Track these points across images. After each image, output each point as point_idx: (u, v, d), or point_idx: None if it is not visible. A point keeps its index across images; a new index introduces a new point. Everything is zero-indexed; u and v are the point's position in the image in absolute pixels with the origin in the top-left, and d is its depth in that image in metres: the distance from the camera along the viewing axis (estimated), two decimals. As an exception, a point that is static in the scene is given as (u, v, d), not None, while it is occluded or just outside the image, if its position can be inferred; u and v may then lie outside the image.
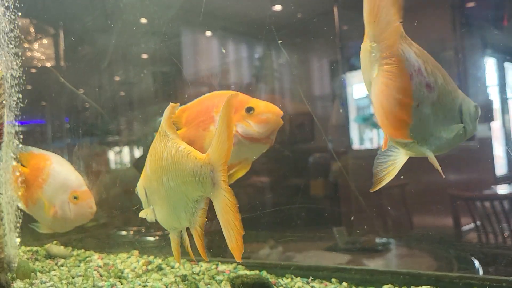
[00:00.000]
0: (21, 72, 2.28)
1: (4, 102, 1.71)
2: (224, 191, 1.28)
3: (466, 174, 3.38)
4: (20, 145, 2.14)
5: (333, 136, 3.50)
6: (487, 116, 4.08)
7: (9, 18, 2.14)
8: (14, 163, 2.11)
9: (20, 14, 2.23)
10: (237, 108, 1.59)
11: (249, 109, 1.59)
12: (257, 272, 2.18)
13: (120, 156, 3.54)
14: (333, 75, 4.36)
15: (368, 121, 3.82)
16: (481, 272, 2.10)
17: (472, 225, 2.66)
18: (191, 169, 1.33)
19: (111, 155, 3.56)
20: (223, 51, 3.49)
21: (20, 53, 2.31)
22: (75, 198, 2.01)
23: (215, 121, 1.63)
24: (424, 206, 3.05)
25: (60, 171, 2.05)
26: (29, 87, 2.46)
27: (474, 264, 2.15)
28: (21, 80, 2.27)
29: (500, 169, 4.60)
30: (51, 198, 1.99)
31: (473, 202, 2.64)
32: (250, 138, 1.61)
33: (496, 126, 4.48)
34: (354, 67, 3.93)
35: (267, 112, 1.60)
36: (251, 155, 1.70)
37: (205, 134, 1.68)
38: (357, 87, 4.36)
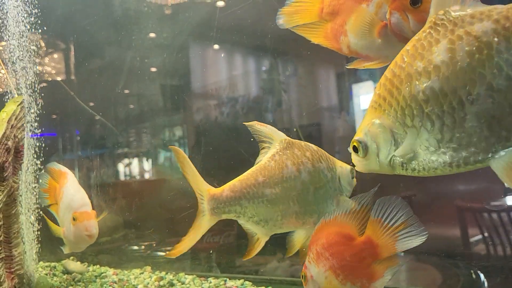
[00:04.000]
0: (37, 86, 2.33)
1: (24, 125, 1.76)
2: None
3: (474, 185, 3.37)
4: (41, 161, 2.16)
5: (340, 148, 3.51)
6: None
7: (31, 35, 2.20)
8: (47, 177, 2.10)
9: (40, 31, 2.29)
10: None
11: (416, 2, 1.14)
12: (264, 288, 2.19)
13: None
14: (339, 86, 4.38)
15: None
16: (486, 284, 2.10)
17: (480, 237, 2.65)
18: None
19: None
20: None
21: (37, 68, 2.37)
22: (74, 219, 1.94)
23: None
24: (431, 217, 3.04)
25: (69, 190, 2.04)
26: (40, 100, 2.52)
27: (480, 277, 2.15)
28: (37, 94, 2.32)
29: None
30: (62, 218, 2.01)
31: (480, 214, 2.63)
32: (400, 37, 1.16)
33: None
34: (360, 78, 3.95)
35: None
36: (387, 58, 1.25)
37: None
38: (364, 98, 4.38)
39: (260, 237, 1.45)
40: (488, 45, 0.82)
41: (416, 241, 1.14)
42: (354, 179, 1.47)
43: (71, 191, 2.02)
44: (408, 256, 2.35)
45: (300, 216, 1.36)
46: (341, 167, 1.47)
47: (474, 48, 0.82)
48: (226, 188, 1.41)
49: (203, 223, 1.44)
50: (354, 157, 1.14)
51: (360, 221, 1.19)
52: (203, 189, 1.44)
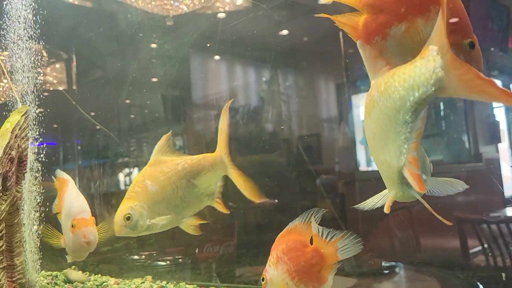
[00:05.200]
0: (38, 96, 2.35)
1: (28, 135, 1.78)
2: (231, 167, 1.89)
3: (474, 196, 3.39)
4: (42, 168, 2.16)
5: (339, 158, 3.53)
6: (494, 137, 4.10)
7: (32, 45, 2.22)
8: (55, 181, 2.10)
9: (42, 43, 2.32)
10: (456, 30, 1.07)
11: (472, 45, 1.05)
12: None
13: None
14: (339, 97, 4.42)
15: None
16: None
17: (479, 248, 2.66)
18: (210, 163, 1.88)
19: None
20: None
21: (38, 77, 2.39)
22: (72, 226, 1.92)
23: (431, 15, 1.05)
24: (431, 228, 3.05)
25: (68, 198, 2.03)
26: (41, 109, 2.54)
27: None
28: (38, 103, 2.34)
29: (509, 190, 4.59)
30: (63, 226, 2.01)
31: (479, 225, 2.64)
32: None
33: (503, 147, 4.49)
34: (360, 89, 3.99)
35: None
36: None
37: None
38: (363, 109, 4.39)
39: None
40: None
41: (354, 250, 1.27)
42: None
43: (70, 199, 2.02)
44: (408, 267, 2.36)
45: None
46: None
47: None
48: None
49: None
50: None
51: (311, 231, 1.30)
52: None
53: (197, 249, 2.48)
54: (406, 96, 0.97)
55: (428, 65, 0.91)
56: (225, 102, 4.14)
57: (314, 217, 1.32)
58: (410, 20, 1.05)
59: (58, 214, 2.07)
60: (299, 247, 1.28)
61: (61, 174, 2.08)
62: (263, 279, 1.26)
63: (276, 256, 1.26)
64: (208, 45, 3.61)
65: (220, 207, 1.90)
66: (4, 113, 2.11)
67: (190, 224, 1.86)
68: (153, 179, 1.78)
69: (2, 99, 3.45)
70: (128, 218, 1.72)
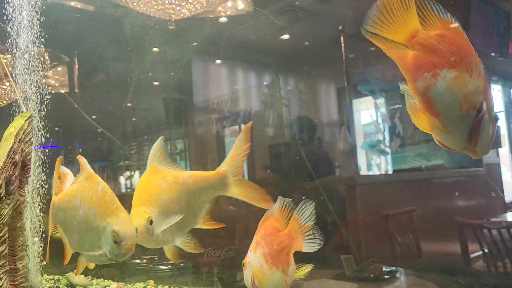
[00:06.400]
0: (41, 99, 2.35)
1: (32, 139, 1.79)
2: (237, 186, 1.72)
3: (475, 200, 3.39)
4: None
5: (340, 162, 3.54)
6: (495, 142, 4.12)
7: (35, 48, 2.23)
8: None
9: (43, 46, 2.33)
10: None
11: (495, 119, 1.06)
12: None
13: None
14: (340, 101, 4.43)
15: (375, 147, 3.87)
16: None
17: (480, 253, 2.66)
18: (211, 181, 1.71)
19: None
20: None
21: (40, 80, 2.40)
22: None
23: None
24: (432, 233, 3.06)
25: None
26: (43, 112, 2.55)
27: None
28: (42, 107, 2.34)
29: (509, 194, 4.60)
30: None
31: (480, 229, 2.64)
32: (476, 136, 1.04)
33: (504, 152, 4.50)
34: (360, 93, 4.00)
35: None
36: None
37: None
38: (364, 113, 4.42)
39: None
40: None
41: (315, 246, 1.37)
42: (123, 246, 1.39)
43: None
44: (409, 272, 2.37)
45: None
46: (108, 223, 1.42)
47: None
48: None
49: None
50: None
51: (286, 217, 1.40)
52: None
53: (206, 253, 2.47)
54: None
55: None
56: (226, 106, 4.16)
57: (292, 203, 1.42)
58: (459, 71, 1.07)
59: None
60: (274, 232, 1.37)
61: (62, 168, 2.08)
62: (243, 264, 1.35)
63: (256, 241, 1.35)
64: (211, 49, 3.63)
65: (212, 225, 1.75)
66: (11, 112, 2.13)
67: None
68: (160, 188, 1.67)
69: (4, 101, 3.46)
70: (151, 222, 1.53)
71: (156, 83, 3.95)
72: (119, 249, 1.33)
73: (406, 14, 1.15)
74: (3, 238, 1.76)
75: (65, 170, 2.09)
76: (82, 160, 1.60)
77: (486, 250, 2.60)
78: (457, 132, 1.06)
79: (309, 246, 1.36)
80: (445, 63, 1.10)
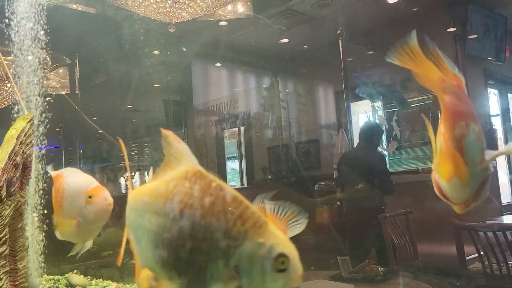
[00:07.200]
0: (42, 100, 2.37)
1: (33, 141, 1.82)
2: None
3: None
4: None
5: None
6: (491, 145, 4.14)
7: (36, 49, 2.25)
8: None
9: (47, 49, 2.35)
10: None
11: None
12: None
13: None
14: (338, 104, 4.45)
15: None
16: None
17: (475, 255, 2.68)
18: None
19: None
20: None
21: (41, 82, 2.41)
22: (90, 197, 1.91)
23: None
24: (428, 235, 3.09)
25: (71, 182, 2.00)
26: (44, 114, 2.58)
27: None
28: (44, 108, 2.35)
29: (505, 197, 4.63)
30: (71, 212, 1.96)
31: (476, 232, 2.67)
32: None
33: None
34: (359, 96, 4.03)
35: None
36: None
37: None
38: (361, 116, 4.44)
39: None
40: None
41: (302, 226, 1.30)
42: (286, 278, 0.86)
43: (73, 181, 2.00)
44: (404, 273, 2.39)
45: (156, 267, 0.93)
46: (261, 243, 0.88)
47: None
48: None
49: None
50: None
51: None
52: None
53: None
54: None
55: None
56: (225, 108, 4.19)
57: (266, 199, 1.34)
58: (479, 126, 1.10)
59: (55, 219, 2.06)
60: None
61: (54, 172, 2.07)
62: None
63: None
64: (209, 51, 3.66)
65: None
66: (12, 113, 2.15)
67: None
68: None
69: (6, 102, 3.49)
70: None
71: (156, 85, 3.99)
72: (287, 280, 0.85)
73: (435, 59, 1.19)
74: (3, 239, 1.78)
75: (58, 172, 2.07)
76: (182, 146, 0.98)
77: (482, 252, 2.63)
78: (471, 186, 1.07)
79: (296, 228, 1.30)
80: (470, 115, 1.12)
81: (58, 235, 2.07)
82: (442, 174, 1.07)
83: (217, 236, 0.84)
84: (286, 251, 0.85)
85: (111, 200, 1.86)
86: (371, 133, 3.11)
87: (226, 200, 0.86)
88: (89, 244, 2.07)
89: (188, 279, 0.88)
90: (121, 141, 1.17)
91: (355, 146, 3.41)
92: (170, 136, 0.98)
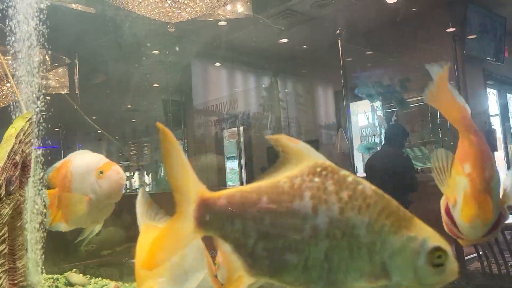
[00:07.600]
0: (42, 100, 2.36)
1: (32, 140, 1.82)
2: None
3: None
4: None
5: (336, 164, 3.55)
6: (490, 145, 4.14)
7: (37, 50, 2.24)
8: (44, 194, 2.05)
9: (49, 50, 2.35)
10: None
11: None
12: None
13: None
14: (337, 104, 4.46)
15: (371, 150, 3.90)
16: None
17: (475, 255, 2.68)
18: None
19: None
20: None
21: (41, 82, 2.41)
22: (101, 173, 1.88)
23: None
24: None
25: (79, 163, 1.95)
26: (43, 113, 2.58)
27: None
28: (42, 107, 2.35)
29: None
30: (81, 190, 1.93)
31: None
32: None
33: (499, 155, 4.53)
34: (358, 97, 4.03)
35: None
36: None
37: None
38: (361, 116, 4.45)
39: (243, 275, 0.93)
40: None
41: None
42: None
43: (81, 162, 1.97)
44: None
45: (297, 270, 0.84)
46: (411, 237, 0.81)
47: None
48: (223, 196, 0.89)
49: (183, 237, 0.86)
50: None
51: None
52: (194, 188, 0.85)
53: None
54: None
55: None
56: (225, 108, 4.19)
57: None
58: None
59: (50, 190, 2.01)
60: None
61: (60, 162, 2.02)
62: (215, 264, 1.22)
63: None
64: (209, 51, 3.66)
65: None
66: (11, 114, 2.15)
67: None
68: None
69: (5, 102, 3.49)
70: None
71: (155, 85, 3.98)
72: (444, 276, 0.79)
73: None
74: (3, 238, 1.79)
75: (63, 160, 2.02)
76: (301, 145, 0.88)
77: (481, 252, 2.62)
78: (489, 225, 1.06)
79: None
80: (491, 154, 1.12)
81: (63, 227, 2.03)
82: (465, 216, 1.04)
83: (357, 232, 0.77)
84: (441, 244, 0.78)
85: (123, 174, 1.84)
86: (399, 135, 3.25)
87: (366, 194, 0.79)
88: (98, 227, 2.03)
89: (323, 283, 0.80)
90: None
91: (380, 148, 3.51)
92: (282, 139, 0.88)
